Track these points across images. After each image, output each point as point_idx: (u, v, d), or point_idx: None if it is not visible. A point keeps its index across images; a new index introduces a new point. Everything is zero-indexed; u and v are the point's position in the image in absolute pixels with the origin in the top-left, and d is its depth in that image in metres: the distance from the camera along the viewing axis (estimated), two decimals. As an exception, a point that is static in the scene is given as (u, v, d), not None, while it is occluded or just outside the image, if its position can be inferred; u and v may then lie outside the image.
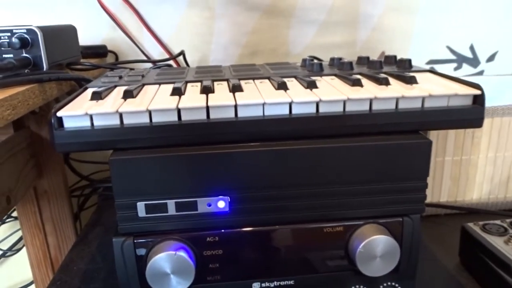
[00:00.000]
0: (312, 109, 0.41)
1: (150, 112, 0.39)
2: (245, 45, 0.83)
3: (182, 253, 0.40)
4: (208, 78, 0.51)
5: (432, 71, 0.52)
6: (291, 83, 0.47)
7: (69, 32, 0.65)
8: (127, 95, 0.42)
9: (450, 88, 0.43)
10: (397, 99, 0.41)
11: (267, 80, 0.49)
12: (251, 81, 0.49)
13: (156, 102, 0.41)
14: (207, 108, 0.39)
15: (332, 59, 0.59)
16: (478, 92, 0.41)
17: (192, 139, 0.40)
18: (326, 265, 0.44)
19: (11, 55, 0.53)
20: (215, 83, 0.48)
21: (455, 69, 0.89)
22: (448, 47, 0.87)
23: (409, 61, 0.54)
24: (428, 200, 0.69)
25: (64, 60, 0.61)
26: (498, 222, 0.56)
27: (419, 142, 0.41)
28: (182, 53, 0.80)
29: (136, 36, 0.81)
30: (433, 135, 0.66)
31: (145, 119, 0.39)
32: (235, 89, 0.43)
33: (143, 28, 0.80)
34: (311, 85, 0.44)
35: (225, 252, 0.42)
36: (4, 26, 0.52)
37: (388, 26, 0.84)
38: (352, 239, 0.43)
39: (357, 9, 0.82)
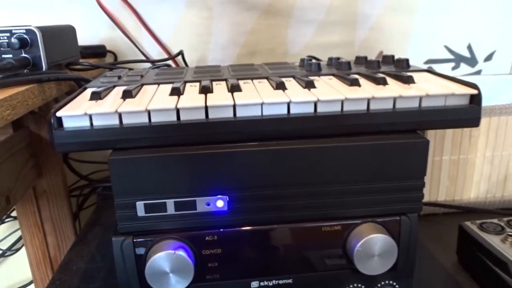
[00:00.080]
0: (310, 109, 0.41)
1: (149, 112, 0.39)
2: (243, 45, 0.83)
3: (181, 252, 0.40)
4: (206, 78, 0.51)
5: (429, 70, 0.52)
6: (290, 83, 0.47)
7: (68, 32, 0.66)
8: (126, 95, 0.43)
9: (447, 87, 0.43)
10: (395, 99, 0.41)
11: (265, 80, 0.49)
12: (249, 81, 0.49)
13: (155, 102, 0.41)
14: (206, 108, 0.40)
15: (330, 59, 0.59)
16: (475, 91, 0.42)
17: (191, 138, 0.40)
18: (324, 264, 0.44)
19: (10, 55, 0.53)
20: (214, 83, 0.49)
21: (453, 68, 0.89)
22: (446, 47, 0.87)
23: (407, 60, 0.54)
24: (426, 199, 0.69)
25: (63, 60, 0.61)
26: (495, 220, 0.57)
27: (416, 142, 0.42)
28: (181, 53, 0.80)
29: (134, 36, 0.82)
30: (430, 134, 0.66)
31: (144, 119, 0.39)
32: (234, 89, 0.44)
33: (142, 28, 0.81)
34: (309, 85, 0.44)
35: (224, 251, 0.42)
36: (3, 27, 0.52)
37: (386, 25, 0.84)
38: (350, 238, 0.43)
39: (355, 9, 0.82)
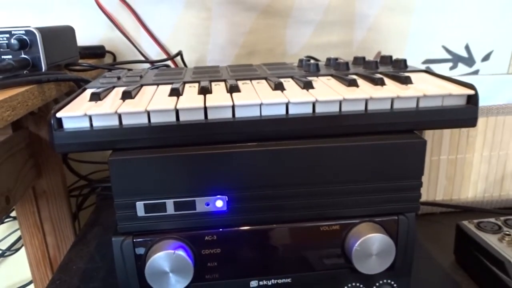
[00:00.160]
0: (308, 110, 0.41)
1: (148, 113, 0.39)
2: (242, 45, 0.83)
3: (181, 252, 0.40)
4: (205, 78, 0.51)
5: (427, 71, 0.52)
6: (288, 83, 0.47)
7: (67, 33, 0.66)
8: (126, 96, 0.43)
9: (445, 88, 0.43)
10: (392, 99, 0.42)
11: (264, 81, 0.49)
12: (248, 81, 0.49)
13: (155, 102, 0.41)
14: (205, 108, 0.40)
15: (328, 59, 0.59)
16: (472, 92, 0.42)
17: (190, 139, 0.40)
18: (323, 263, 0.44)
19: (10, 56, 0.53)
20: (213, 83, 0.49)
21: (451, 68, 0.89)
22: (444, 47, 0.88)
23: (405, 61, 0.55)
24: (424, 198, 0.69)
25: (63, 61, 0.61)
26: (492, 220, 0.57)
27: (414, 142, 0.42)
28: (180, 53, 0.80)
29: (133, 36, 0.82)
30: (428, 134, 0.67)
31: (143, 120, 0.40)
32: (233, 89, 0.44)
33: (141, 29, 0.81)
34: (308, 86, 0.44)
35: (223, 251, 0.43)
36: (3, 28, 0.53)
37: (384, 26, 0.84)
38: (348, 237, 0.43)
39: (353, 9, 0.83)
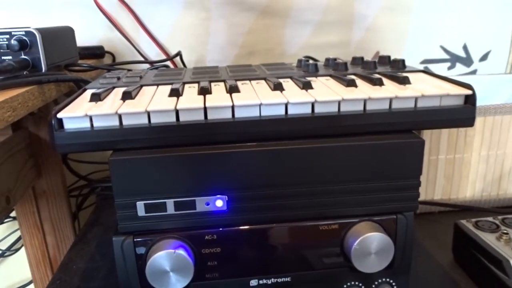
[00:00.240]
0: (307, 110, 0.41)
1: (148, 113, 0.40)
2: (241, 45, 0.84)
3: (181, 251, 0.40)
4: (205, 79, 0.51)
5: (425, 71, 0.53)
6: (287, 83, 0.47)
7: (67, 33, 0.66)
8: (126, 96, 0.43)
9: (442, 88, 0.44)
10: (391, 99, 0.42)
11: (263, 81, 0.50)
12: (247, 82, 0.49)
13: (155, 103, 0.41)
14: (205, 109, 0.40)
15: (327, 60, 0.59)
16: (469, 92, 0.42)
17: (190, 139, 0.40)
18: (322, 262, 0.44)
19: (10, 57, 0.53)
20: (212, 84, 0.49)
21: (449, 68, 0.90)
22: (442, 47, 0.88)
23: (403, 61, 0.55)
24: (422, 198, 0.70)
25: (62, 62, 0.61)
26: (490, 219, 0.57)
27: (412, 141, 0.42)
28: (179, 53, 0.80)
29: (132, 36, 0.82)
30: (426, 134, 0.67)
31: (144, 120, 0.40)
32: (232, 90, 0.44)
33: (140, 29, 0.81)
34: (307, 86, 0.45)
35: (223, 250, 0.43)
36: (3, 28, 0.53)
37: (382, 26, 0.85)
38: (347, 236, 0.43)
39: (351, 10, 0.83)
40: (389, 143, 0.42)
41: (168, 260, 0.40)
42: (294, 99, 0.41)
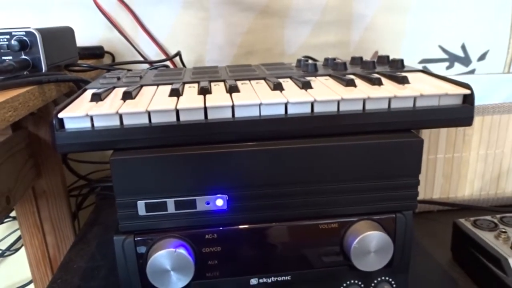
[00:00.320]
0: (307, 109, 0.42)
1: (149, 113, 0.40)
2: (240, 45, 0.84)
3: (182, 250, 0.40)
4: (205, 79, 0.52)
5: (423, 71, 0.53)
6: (287, 83, 0.48)
7: (67, 33, 0.66)
8: (126, 96, 0.43)
9: (441, 88, 0.44)
10: (390, 99, 0.42)
11: (263, 81, 0.50)
12: (247, 81, 0.50)
13: (155, 103, 0.41)
14: (205, 108, 0.40)
15: (326, 60, 0.60)
16: (467, 91, 0.42)
17: (191, 139, 0.40)
18: (322, 261, 0.45)
19: (10, 57, 0.53)
20: (212, 84, 0.49)
21: (447, 68, 0.90)
22: (440, 47, 0.88)
23: (401, 61, 0.55)
24: (421, 197, 0.70)
25: (62, 62, 0.61)
26: (488, 217, 0.58)
27: (411, 141, 0.42)
28: (178, 53, 0.80)
29: (132, 36, 0.82)
30: (425, 133, 0.67)
31: (144, 120, 0.40)
32: (232, 90, 0.44)
33: (139, 29, 0.81)
34: (306, 86, 0.45)
35: (223, 249, 0.43)
36: (3, 29, 0.53)
37: (381, 26, 0.85)
38: (347, 235, 0.44)
39: (350, 9, 0.83)
40: (388, 143, 0.42)
41: (168, 259, 0.40)
42: (293, 98, 0.41)
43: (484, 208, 0.71)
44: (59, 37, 0.62)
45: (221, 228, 0.43)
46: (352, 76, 0.49)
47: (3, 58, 0.53)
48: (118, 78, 0.54)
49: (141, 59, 0.82)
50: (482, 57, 0.90)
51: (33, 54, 0.54)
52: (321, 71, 0.54)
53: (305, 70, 0.55)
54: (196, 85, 0.49)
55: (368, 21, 0.84)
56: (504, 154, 0.70)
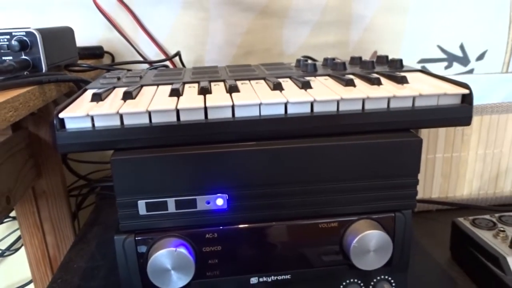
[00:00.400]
0: (307, 109, 0.42)
1: (149, 113, 0.40)
2: (239, 45, 0.84)
3: (182, 250, 0.41)
4: (205, 79, 0.52)
5: (422, 70, 0.53)
6: (286, 83, 0.48)
7: (67, 34, 0.66)
8: (127, 96, 0.43)
9: (440, 87, 0.44)
10: (389, 99, 0.42)
11: (262, 81, 0.50)
12: (247, 81, 0.50)
13: (155, 103, 0.42)
14: (205, 108, 0.40)
15: (325, 60, 0.60)
16: (466, 91, 0.43)
17: (191, 139, 0.41)
18: (322, 260, 0.45)
19: (11, 57, 0.53)
20: (212, 84, 0.49)
21: (446, 67, 0.90)
22: (439, 46, 0.89)
23: (401, 61, 0.55)
24: (420, 196, 0.70)
25: (62, 62, 0.61)
26: (487, 216, 0.58)
27: (410, 140, 0.43)
28: (178, 54, 0.81)
29: (131, 37, 0.82)
30: (424, 133, 0.67)
31: (145, 120, 0.40)
32: (232, 89, 0.45)
33: (139, 29, 0.81)
34: (306, 86, 0.45)
35: (223, 248, 0.43)
36: (3, 29, 0.53)
37: (380, 26, 0.85)
38: (347, 234, 0.44)
39: (349, 10, 0.84)
40: (387, 142, 0.42)
41: (169, 259, 0.40)
42: (293, 98, 0.41)
43: (483, 208, 0.71)
44: (59, 37, 0.62)
45: (221, 227, 0.43)
46: (351, 76, 0.49)
47: (3, 58, 0.53)
48: (118, 78, 0.54)
49: (141, 59, 0.83)
50: (480, 57, 0.90)
51: (33, 54, 0.54)
52: (320, 71, 0.54)
53: (305, 70, 0.55)
54: (196, 85, 0.49)
55: (367, 22, 0.85)
56: (502, 153, 0.71)
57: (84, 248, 0.63)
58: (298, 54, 0.84)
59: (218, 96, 0.43)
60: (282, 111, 0.42)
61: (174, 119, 0.40)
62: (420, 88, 0.44)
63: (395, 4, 0.84)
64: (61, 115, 0.39)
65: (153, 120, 0.40)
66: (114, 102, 0.43)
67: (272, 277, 0.45)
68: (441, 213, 0.71)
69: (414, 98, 0.43)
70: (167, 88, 0.47)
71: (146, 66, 0.80)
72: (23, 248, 0.75)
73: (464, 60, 0.90)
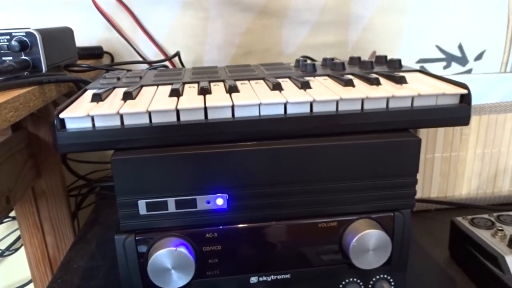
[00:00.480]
0: (306, 109, 0.42)
1: (150, 113, 0.40)
2: (239, 45, 0.84)
3: (183, 249, 0.41)
4: (204, 79, 0.52)
5: (421, 71, 0.53)
6: (286, 83, 0.48)
7: (66, 34, 0.66)
8: (127, 96, 0.44)
9: (438, 87, 0.44)
10: (388, 99, 0.42)
11: (262, 81, 0.50)
12: (246, 82, 0.50)
13: (155, 103, 0.42)
14: (205, 109, 0.41)
15: (324, 60, 0.60)
16: (464, 91, 0.43)
17: (191, 139, 0.41)
18: (321, 259, 0.45)
19: (11, 58, 0.54)
20: (212, 84, 0.50)
21: (444, 67, 0.91)
22: (438, 46, 0.89)
23: (399, 61, 0.56)
24: (419, 195, 0.71)
25: (62, 62, 0.62)
26: (485, 216, 0.58)
27: (409, 140, 0.43)
28: (177, 54, 0.81)
29: (131, 37, 0.82)
30: (423, 132, 0.68)
31: (145, 120, 0.40)
32: (232, 90, 0.45)
33: (138, 29, 0.81)
34: (305, 86, 0.45)
35: (223, 248, 0.43)
36: (3, 29, 0.53)
37: (379, 26, 0.85)
38: (346, 233, 0.44)
39: (348, 10, 0.84)
40: (386, 142, 0.43)
41: (169, 258, 0.40)
42: (293, 98, 0.42)
43: (481, 207, 0.71)
44: (58, 38, 0.62)
45: (221, 227, 0.43)
46: (350, 76, 0.49)
47: (3, 58, 0.53)
48: (118, 79, 0.54)
49: (140, 59, 0.83)
50: (479, 57, 0.90)
51: (33, 54, 0.54)
52: (319, 71, 0.55)
53: (304, 70, 0.56)
54: (196, 85, 0.50)
55: (366, 22, 0.85)
56: (500, 153, 0.71)
57: (84, 248, 0.63)
58: (297, 54, 0.84)
59: (218, 96, 0.43)
60: (281, 111, 0.42)
61: (174, 119, 0.41)
62: (418, 88, 0.44)
63: (393, 4, 0.85)
64: (61, 115, 0.39)
65: (153, 120, 0.40)
66: (114, 103, 0.43)
67: (272, 276, 0.45)
68: (440, 212, 0.71)
69: (413, 98, 0.43)
70: (167, 88, 0.47)
71: (145, 66, 0.80)
72: (22, 248, 0.75)
73: (462, 60, 0.90)
